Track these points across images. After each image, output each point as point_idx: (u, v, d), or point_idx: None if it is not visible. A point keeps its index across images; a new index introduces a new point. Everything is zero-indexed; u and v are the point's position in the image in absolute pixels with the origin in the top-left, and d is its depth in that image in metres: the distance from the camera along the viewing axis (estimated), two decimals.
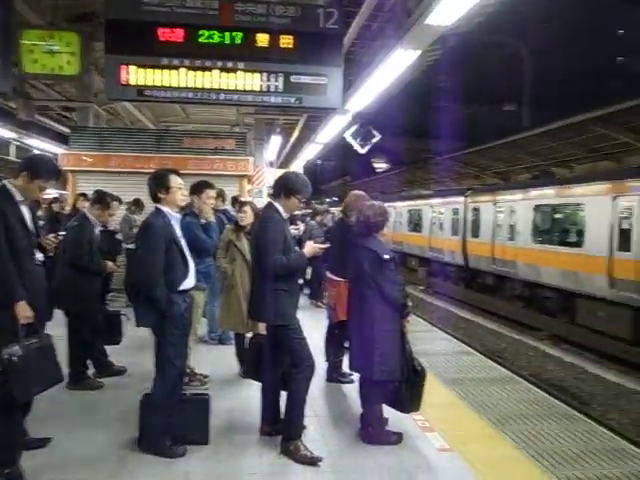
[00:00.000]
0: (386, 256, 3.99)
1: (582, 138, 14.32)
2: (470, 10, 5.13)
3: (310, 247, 3.94)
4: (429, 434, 4.27)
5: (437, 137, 34.22)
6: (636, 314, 9.67)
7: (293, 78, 5.82)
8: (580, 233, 11.49)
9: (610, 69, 33.81)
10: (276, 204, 3.88)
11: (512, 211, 14.06)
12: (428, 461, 3.83)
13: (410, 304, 4.13)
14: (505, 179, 20.72)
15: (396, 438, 4.09)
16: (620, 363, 9.76)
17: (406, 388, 4.01)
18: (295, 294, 3.90)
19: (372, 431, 4.07)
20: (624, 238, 9.90)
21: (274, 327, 3.81)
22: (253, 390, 4.36)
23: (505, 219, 14.38)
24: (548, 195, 12.91)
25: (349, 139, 11.90)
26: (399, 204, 24.11)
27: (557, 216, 12.90)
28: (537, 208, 13.09)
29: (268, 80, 5.72)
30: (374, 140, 11.87)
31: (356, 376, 4.43)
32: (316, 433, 4.21)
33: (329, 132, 13.00)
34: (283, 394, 3.95)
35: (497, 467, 3.75)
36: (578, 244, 11.40)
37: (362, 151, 12.18)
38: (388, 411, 4.16)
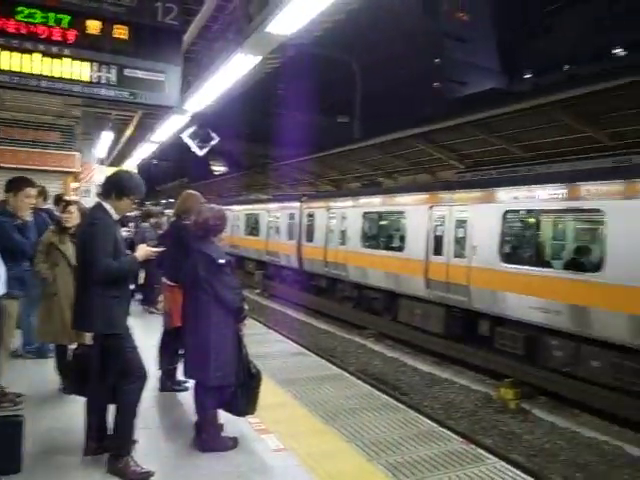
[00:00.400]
0: (221, 260, 3.97)
1: (404, 152, 15.77)
2: (309, 23, 5.36)
3: (143, 250, 3.76)
4: (265, 436, 4.34)
5: (276, 143, 35.06)
6: (447, 311, 10.97)
7: (127, 71, 5.47)
8: (402, 239, 12.57)
9: (428, 92, 37.86)
10: (106, 204, 3.63)
11: (343, 217, 14.88)
12: (263, 463, 3.89)
13: (247, 308, 4.15)
14: (338, 187, 21.93)
15: (232, 443, 4.08)
16: (433, 355, 10.95)
17: (242, 392, 4.03)
18: (126, 300, 3.68)
19: (207, 437, 4.01)
20: (438, 244, 11.13)
21: (103, 336, 3.54)
22: (76, 407, 4.01)
23: (337, 225, 15.17)
24: (375, 203, 13.90)
25: (187, 140, 11.59)
26: (237, 208, 24.14)
27: (383, 223, 13.97)
28: (365, 215, 14.02)
29: (99, 71, 5.30)
30: (213, 142, 11.73)
31: (191, 383, 4.32)
32: (148, 446, 4.01)
33: (166, 131, 12.52)
34: (111, 408, 3.70)
35: (327, 461, 3.95)
36: (400, 249, 12.45)
37: (200, 153, 11.95)
38: (223, 416, 4.14)
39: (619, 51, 31.86)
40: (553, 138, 11.44)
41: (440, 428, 4.92)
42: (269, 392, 4.40)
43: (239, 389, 4.01)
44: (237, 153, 38.64)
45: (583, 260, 8.72)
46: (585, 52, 33.18)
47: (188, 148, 12.32)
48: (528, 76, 39.17)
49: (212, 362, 3.87)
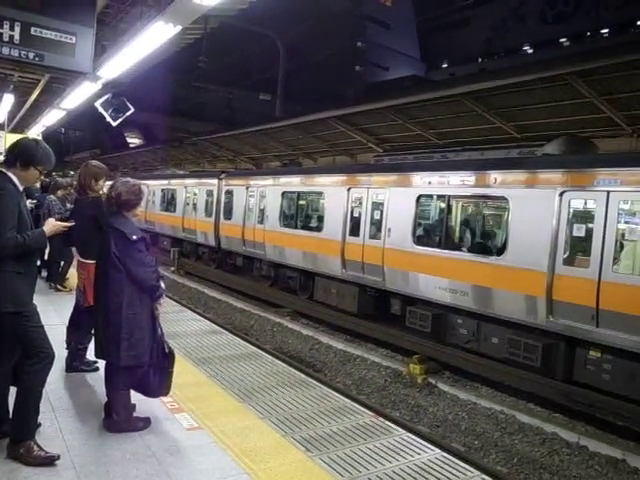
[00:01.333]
0: (134, 237, 3.85)
1: (325, 133, 15.89)
2: None
3: (51, 225, 3.55)
4: (178, 415, 4.31)
5: (195, 117, 33.95)
6: (361, 291, 11.16)
7: (34, 30, 5.09)
8: (320, 219, 12.75)
9: (349, 75, 38.19)
10: (10, 174, 3.38)
11: (262, 196, 14.79)
12: (177, 442, 3.86)
13: (163, 286, 4.06)
14: (258, 165, 21.73)
15: (143, 424, 4.02)
16: (347, 333, 11.28)
17: (154, 372, 3.96)
18: (31, 276, 3.48)
19: (117, 419, 3.92)
20: (354, 225, 11.25)
21: (6, 314, 3.32)
22: None
23: (256, 203, 15.06)
24: (295, 183, 13.91)
25: (100, 109, 10.95)
26: (152, 182, 23.24)
27: (301, 203, 14.03)
28: (284, 194, 14.02)
29: (1, 27, 4.89)
30: (128, 113, 11.17)
31: (102, 363, 4.18)
32: (53, 429, 3.86)
33: (76, 98, 11.76)
34: (12, 390, 3.50)
35: (242, 437, 4.00)
36: (318, 229, 12.61)
37: (114, 123, 11.36)
38: (135, 396, 4.05)
39: (527, 48, 33.78)
40: (466, 127, 12.03)
41: (352, 403, 5.10)
42: (183, 371, 4.36)
43: (152, 369, 3.94)
44: (155, 126, 37.06)
45: (488, 244, 9.26)
46: (497, 47, 34.89)
47: (101, 117, 11.65)
48: (445, 66, 40.58)
49: (124, 341, 3.77)
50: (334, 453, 3.93)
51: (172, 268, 18.38)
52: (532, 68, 9.88)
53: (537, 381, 7.87)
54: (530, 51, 33.52)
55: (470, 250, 9.23)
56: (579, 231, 7.45)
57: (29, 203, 7.98)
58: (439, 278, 9.22)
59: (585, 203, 7.50)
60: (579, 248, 7.51)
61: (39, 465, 3.32)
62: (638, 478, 5.97)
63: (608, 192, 7.07)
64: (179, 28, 6.41)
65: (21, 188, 3.42)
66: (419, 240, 9.93)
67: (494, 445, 6.74)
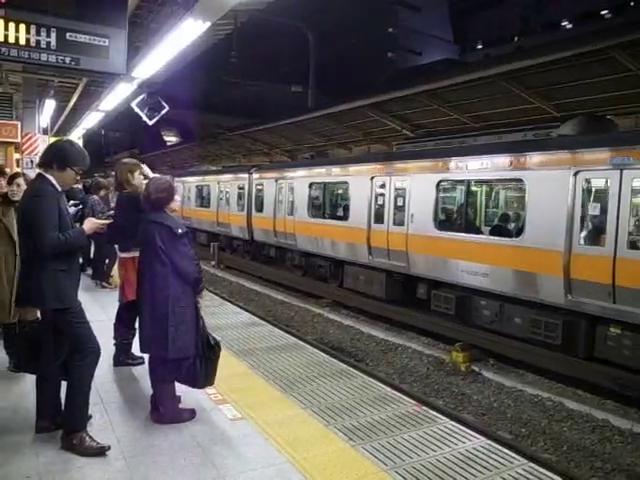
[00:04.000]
0: (180, 230, 3.92)
1: (358, 122, 15.77)
2: None
3: (90, 223, 3.66)
4: (222, 406, 4.38)
5: (229, 112, 34.28)
6: (387, 276, 11.32)
7: (69, 35, 5.20)
8: (346, 208, 12.90)
9: (381, 62, 37.74)
10: (48, 176, 3.49)
11: (291, 188, 15.05)
12: (221, 432, 3.93)
13: (204, 279, 4.13)
14: (292, 157, 21.78)
15: (189, 414, 4.10)
16: (386, 322, 11.22)
17: (201, 364, 4.03)
18: (75, 274, 3.59)
19: (163, 410, 4.01)
20: (379, 213, 11.41)
21: (52, 311, 3.45)
22: (26, 385, 3.92)
23: (285, 195, 15.36)
24: (321, 174, 14.13)
25: (136, 109, 11.17)
26: (186, 179, 23.79)
27: (328, 193, 14.14)
28: (312, 185, 14.26)
29: (38, 34, 5.02)
30: (163, 111, 11.36)
31: (146, 357, 4.28)
32: (103, 421, 3.99)
33: (113, 100, 12.05)
34: (63, 384, 3.64)
35: (284, 427, 4.04)
36: (345, 218, 12.78)
37: (150, 122, 11.55)
38: (179, 388, 4.14)
39: (566, 23, 32.55)
40: (503, 108, 11.70)
41: (393, 392, 5.08)
42: (226, 363, 4.43)
43: (198, 361, 4.01)
44: (190, 123, 37.65)
45: (507, 226, 9.30)
46: (534, 24, 33.74)
47: (139, 117, 11.89)
48: (480, 47, 39.58)
49: (171, 334, 3.85)
50: (377, 442, 3.92)
51: (212, 262, 18.69)
52: (570, 43, 9.50)
53: (585, 367, 7.64)
54: (569, 26, 32.30)
55: (490, 233, 9.32)
56: (594, 210, 7.48)
57: (72, 203, 8.25)
58: (461, 261, 9.30)
59: (599, 182, 7.51)
60: (595, 227, 7.51)
61: (91, 455, 3.44)
62: None
63: (621, 170, 7.04)
64: (208, 24, 6.45)
65: (60, 189, 3.52)
66: (441, 225, 10.01)
67: (542, 433, 6.58)
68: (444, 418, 4.54)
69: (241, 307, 9.81)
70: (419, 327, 10.54)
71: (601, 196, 7.44)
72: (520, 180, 8.59)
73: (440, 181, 9.98)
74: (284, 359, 5.75)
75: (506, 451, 3.97)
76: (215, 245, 19.20)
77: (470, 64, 20.30)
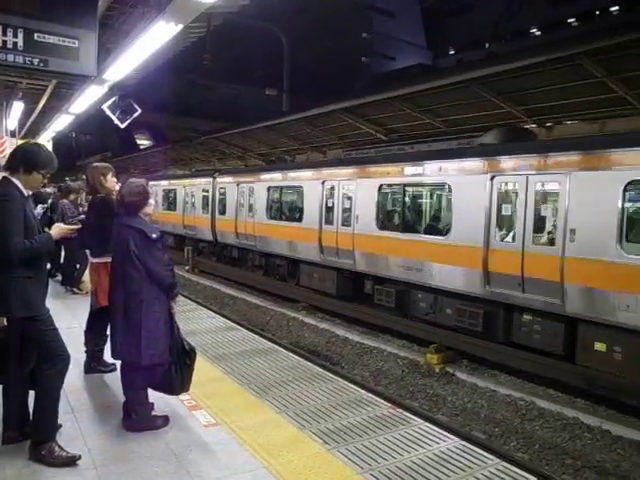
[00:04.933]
0: (154, 235, 3.88)
1: (333, 126, 15.80)
2: None
3: (58, 228, 3.58)
4: (196, 412, 4.33)
5: (203, 116, 34.04)
6: (338, 274, 12.09)
7: (37, 36, 5.11)
8: (301, 210, 13.45)
9: (356, 67, 37.98)
10: (14, 179, 3.40)
11: (251, 191, 15.83)
12: (195, 438, 3.89)
13: (177, 284, 4.09)
14: (267, 161, 21.70)
15: (162, 421, 4.05)
16: (362, 325, 11.27)
17: (176, 370, 3.98)
18: (42, 280, 3.50)
19: (136, 418, 3.95)
20: (329, 214, 12.19)
21: (19, 319, 3.36)
22: None
23: (245, 198, 16.12)
24: (278, 178, 14.82)
25: (107, 112, 11.00)
26: (154, 184, 23.82)
27: (284, 196, 14.92)
28: (269, 189, 14.99)
29: (4, 35, 4.91)
30: (135, 114, 11.21)
31: (119, 363, 4.21)
32: (73, 430, 3.90)
33: (84, 102, 11.83)
34: (31, 393, 3.54)
35: (259, 432, 4.01)
36: (299, 219, 13.41)
37: (122, 125, 11.39)
38: (152, 395, 4.08)
39: (535, 30, 33.29)
40: (475, 113, 11.87)
41: (369, 394, 5.09)
42: (200, 368, 4.37)
43: (173, 367, 3.95)
44: (163, 126, 37.27)
45: (437, 226, 10.22)
46: (504, 31, 34.41)
47: (110, 120, 11.71)
48: (452, 52, 40.17)
49: (144, 340, 3.79)
50: (352, 445, 3.93)
51: (187, 267, 18.49)
52: (539, 50, 9.69)
53: (556, 367, 7.79)
54: (538, 33, 33.04)
55: (423, 232, 10.27)
56: (506, 211, 8.46)
57: (40, 208, 8.07)
58: (399, 258, 10.20)
59: (510, 186, 8.47)
60: (507, 225, 8.47)
61: (61, 466, 3.36)
62: None
63: (527, 176, 8.05)
64: (180, 27, 6.39)
65: (26, 193, 3.43)
66: (382, 225, 10.90)
67: (515, 432, 6.69)
68: (419, 419, 4.57)
69: (216, 312, 9.74)
70: (394, 329, 10.60)
71: (512, 199, 8.40)
72: (447, 184, 9.54)
73: (381, 185, 10.90)
74: (259, 363, 5.72)
75: (479, 451, 4.01)
76: (189, 249, 19.04)
77: (443, 69, 20.60)
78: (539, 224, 7.96)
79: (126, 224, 3.93)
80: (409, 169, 10.23)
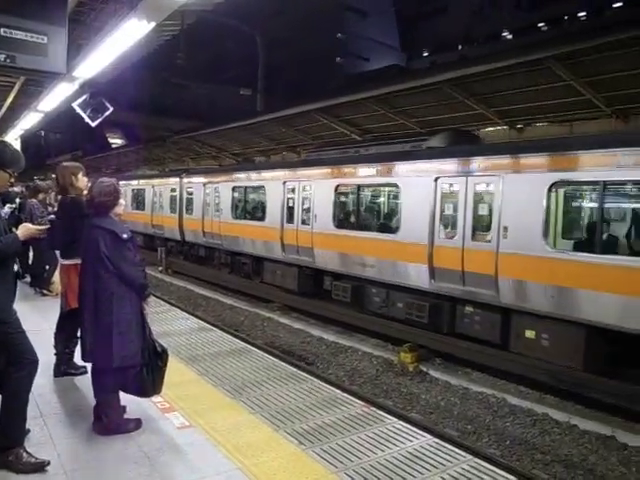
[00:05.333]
0: (125, 235, 3.83)
1: (307, 126, 15.81)
2: None
3: (25, 229, 3.49)
4: (169, 414, 4.29)
5: (177, 115, 33.63)
6: (299, 271, 12.46)
7: (4, 31, 4.99)
8: (264, 210, 13.82)
9: (330, 67, 38.06)
10: None
11: (217, 191, 16.05)
12: (169, 441, 3.85)
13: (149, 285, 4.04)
14: (241, 161, 21.58)
15: (134, 425, 3.99)
16: (338, 325, 11.31)
17: (147, 372, 3.93)
18: (9, 282, 3.41)
19: (107, 421, 3.89)
20: (290, 213, 12.57)
21: None
22: None
23: (212, 198, 16.31)
24: (242, 179, 15.14)
25: (78, 110, 10.78)
26: (122, 183, 23.50)
27: (248, 196, 15.30)
28: (234, 189, 15.30)
29: None
30: (107, 113, 11.01)
31: (89, 366, 4.14)
32: (42, 435, 3.82)
33: (54, 100, 11.56)
34: None
35: (234, 433, 3.99)
36: (263, 219, 13.75)
37: (92, 124, 11.18)
38: (124, 397, 4.02)
39: (506, 34, 33.87)
40: (448, 114, 12.03)
41: (343, 394, 5.12)
42: (173, 370, 4.33)
43: (145, 369, 3.90)
44: (136, 125, 36.70)
45: (388, 224, 10.64)
46: (477, 34, 34.93)
47: (81, 118, 11.47)
48: (426, 54, 40.58)
49: (115, 342, 3.73)
50: (327, 445, 3.94)
51: (160, 268, 18.27)
52: (510, 53, 9.89)
53: (526, 363, 7.95)
54: (509, 37, 33.63)
55: (376, 230, 10.71)
56: (448, 210, 8.94)
57: (7, 207, 7.87)
58: (354, 255, 10.66)
59: (451, 187, 8.94)
60: (449, 223, 8.97)
61: (29, 472, 3.29)
62: (627, 453, 6.06)
63: (467, 178, 8.57)
64: (153, 24, 6.31)
65: None
66: (338, 224, 11.30)
67: (486, 429, 6.81)
68: (392, 418, 4.61)
69: (189, 312, 9.66)
70: (369, 329, 10.66)
71: (453, 199, 8.86)
72: (397, 185, 10.01)
73: (337, 185, 11.32)
74: (233, 364, 5.69)
75: (452, 448, 4.07)
76: (162, 250, 18.82)
77: (417, 71, 20.78)
78: (477, 222, 8.51)
79: (96, 224, 3.87)
80: (363, 170, 10.75)
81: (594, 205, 7.58)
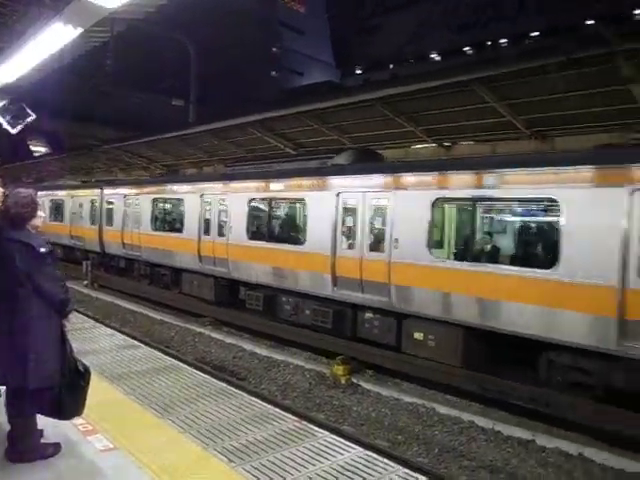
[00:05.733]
0: (43, 249, 3.63)
1: (241, 139, 15.73)
2: None
3: None
4: (91, 437, 4.09)
5: (107, 124, 32.50)
6: (215, 281, 12.78)
7: None
8: (182, 222, 14.09)
9: (265, 81, 38.20)
10: None
11: (137, 203, 16.05)
12: (90, 465, 3.68)
13: (72, 301, 3.85)
14: (173, 172, 21.12)
15: (53, 449, 3.78)
16: (270, 338, 11.23)
17: (67, 392, 3.72)
18: None
19: (23, 447, 3.65)
20: (207, 225, 12.93)
21: None
22: None
23: (132, 210, 16.29)
24: (162, 191, 15.40)
25: None
26: (41, 194, 22.49)
27: (167, 208, 15.64)
28: (154, 201, 15.46)
29: None
30: (29, 119, 10.48)
31: (3, 388, 3.87)
32: None
33: None
34: None
35: (160, 454, 3.87)
36: (180, 230, 14.06)
37: (13, 131, 10.61)
38: (42, 421, 3.80)
39: (435, 56, 35.40)
40: (379, 131, 12.38)
41: (275, 409, 5.08)
42: (96, 390, 4.14)
43: (64, 390, 3.70)
44: (62, 133, 35.12)
45: (297, 236, 11.09)
46: (408, 54, 36.28)
47: (0, 125, 10.85)
48: (359, 72, 41.61)
49: (32, 362, 3.52)
50: (257, 461, 3.90)
51: (85, 282, 17.46)
52: (438, 74, 10.37)
53: (453, 373, 8.22)
54: (438, 58, 35.14)
55: (286, 241, 11.15)
56: (348, 222, 9.59)
57: None
58: (266, 266, 11.10)
59: (351, 201, 9.59)
60: (349, 235, 9.59)
61: None
62: (545, 455, 6.39)
63: (364, 193, 9.28)
64: (80, 30, 6.11)
65: None
66: (252, 235, 11.74)
67: (416, 438, 6.95)
68: (324, 432, 4.63)
69: (116, 329, 9.27)
70: (300, 342, 10.67)
71: (353, 212, 9.52)
72: (303, 199, 10.59)
73: (251, 199, 11.80)
74: (162, 382, 5.52)
75: (382, 459, 4.14)
76: (88, 263, 18.02)
77: (350, 88, 21.25)
78: (373, 234, 9.23)
79: (11, 238, 3.65)
80: (273, 185, 11.29)
81: (467, 219, 8.63)
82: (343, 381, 8.73)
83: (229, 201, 12.29)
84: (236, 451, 4.04)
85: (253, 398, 5.37)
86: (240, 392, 5.53)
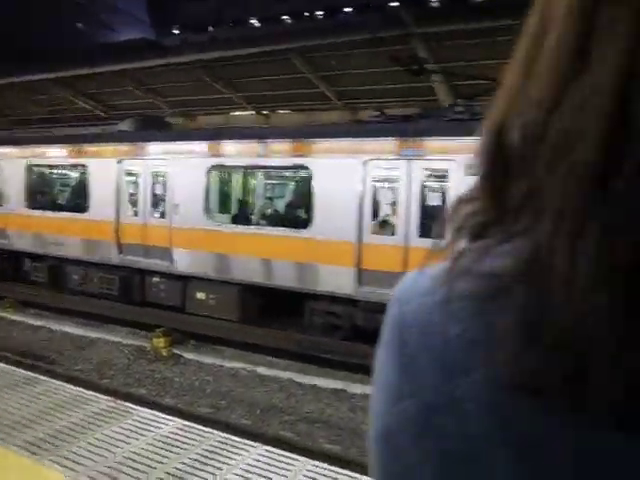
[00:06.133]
0: None
1: (41, 98, 14.02)
2: None
3: None
4: None
5: None
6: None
7: None
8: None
9: (69, 32, 34.16)
10: None
11: None
12: None
13: None
14: None
15: None
16: (82, 316, 10.42)
17: None
18: None
19: None
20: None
21: None
22: None
23: None
24: None
25: None
26: None
27: None
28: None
29: None
30: None
31: None
32: None
33: None
34: None
35: None
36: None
37: None
38: None
39: (254, 21, 35.14)
40: (196, 96, 12.02)
41: (86, 391, 4.79)
42: None
43: None
44: None
45: (79, 203, 10.75)
46: (227, 17, 35.42)
47: None
48: (177, 32, 39.51)
49: None
50: (65, 450, 3.65)
51: None
52: (256, 41, 10.37)
53: (276, 335, 8.60)
54: (257, 24, 34.93)
55: (69, 210, 10.78)
56: (131, 189, 9.78)
57: None
58: (50, 235, 10.74)
59: (132, 168, 9.72)
60: (134, 202, 9.76)
61: None
62: (354, 401, 7.06)
63: (144, 160, 9.45)
64: None
65: None
66: (33, 204, 11.19)
67: (239, 401, 7.15)
68: (141, 408, 4.50)
69: None
70: (115, 317, 10.13)
71: (135, 178, 9.68)
72: (85, 166, 10.32)
73: (30, 165, 11.12)
74: None
75: (201, 427, 4.18)
76: None
77: (168, 47, 20.10)
78: (154, 200, 9.54)
79: None
80: (55, 151, 10.87)
81: (240, 185, 9.46)
82: (164, 353, 8.56)
83: (5, 167, 11.36)
84: (41, 442, 3.73)
85: (63, 383, 5.00)
86: (47, 378, 5.10)
